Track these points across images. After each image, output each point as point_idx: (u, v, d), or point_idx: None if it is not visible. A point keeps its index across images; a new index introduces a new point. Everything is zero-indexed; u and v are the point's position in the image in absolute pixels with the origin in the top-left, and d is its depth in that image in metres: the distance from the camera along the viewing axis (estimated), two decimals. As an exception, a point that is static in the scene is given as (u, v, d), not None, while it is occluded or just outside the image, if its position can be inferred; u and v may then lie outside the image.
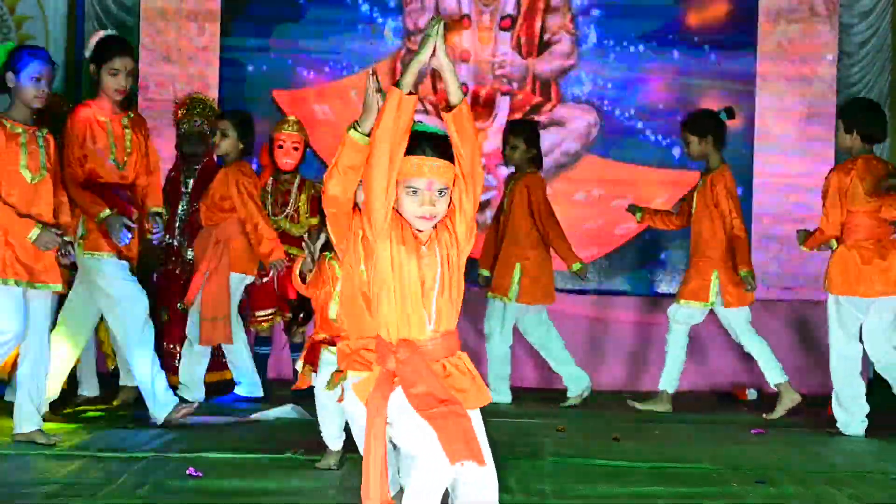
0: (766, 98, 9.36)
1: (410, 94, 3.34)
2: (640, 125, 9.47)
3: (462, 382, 3.42)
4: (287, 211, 7.76)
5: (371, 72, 3.76)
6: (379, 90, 3.80)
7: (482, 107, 9.36)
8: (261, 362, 7.95)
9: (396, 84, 3.36)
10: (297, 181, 7.89)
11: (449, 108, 3.38)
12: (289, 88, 9.51)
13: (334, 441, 5.49)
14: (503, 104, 9.41)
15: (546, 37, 9.48)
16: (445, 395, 3.36)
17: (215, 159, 8.03)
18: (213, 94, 9.01)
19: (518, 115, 9.27)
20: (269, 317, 7.88)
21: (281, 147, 7.78)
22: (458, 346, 3.47)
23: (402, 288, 3.39)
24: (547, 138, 9.41)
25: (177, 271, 7.98)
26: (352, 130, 3.64)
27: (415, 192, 3.39)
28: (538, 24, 9.48)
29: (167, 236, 7.99)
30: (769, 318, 8.79)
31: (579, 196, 9.45)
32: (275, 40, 9.50)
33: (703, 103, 9.38)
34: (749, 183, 9.35)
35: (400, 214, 3.41)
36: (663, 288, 9.43)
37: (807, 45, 9.32)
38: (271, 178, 7.87)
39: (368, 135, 3.62)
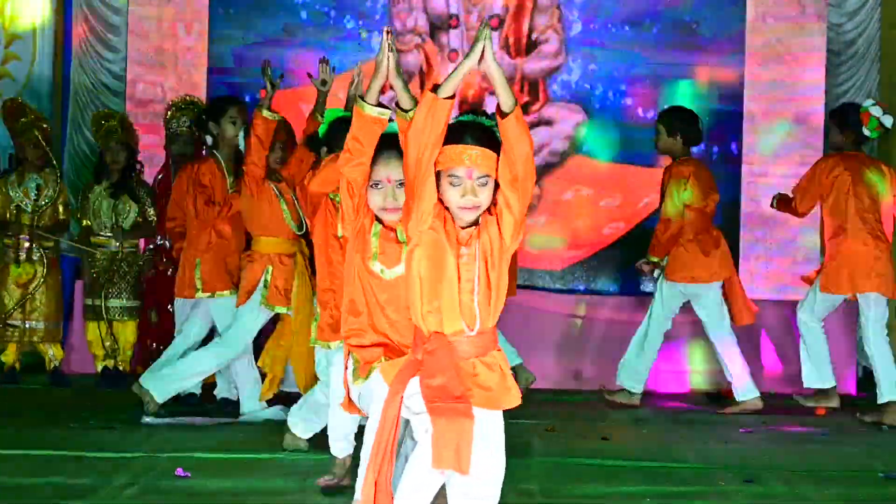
0: (753, 98, 9.34)
1: (450, 97, 3.32)
2: (628, 125, 9.46)
3: (489, 381, 3.40)
4: None
5: (386, 30, 3.76)
6: (392, 49, 3.81)
7: (470, 107, 9.33)
8: None
9: (435, 88, 3.34)
10: None
11: (502, 114, 3.34)
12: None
13: (339, 446, 5.14)
14: (491, 104, 9.37)
15: (534, 36, 9.46)
16: (460, 392, 3.34)
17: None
18: (201, 94, 8.97)
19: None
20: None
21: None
22: (494, 345, 3.45)
23: (437, 284, 3.38)
24: (535, 138, 9.38)
25: (168, 272, 7.96)
26: (358, 101, 3.72)
27: (456, 182, 3.37)
28: (526, 24, 9.46)
29: (158, 237, 8.00)
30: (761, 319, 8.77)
31: (567, 195, 9.45)
32: (262, 41, 9.46)
33: (692, 103, 9.37)
34: (738, 185, 9.34)
35: (445, 210, 3.41)
36: (651, 287, 9.40)
37: (795, 45, 9.30)
38: None
39: (379, 105, 3.73)
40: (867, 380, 9.18)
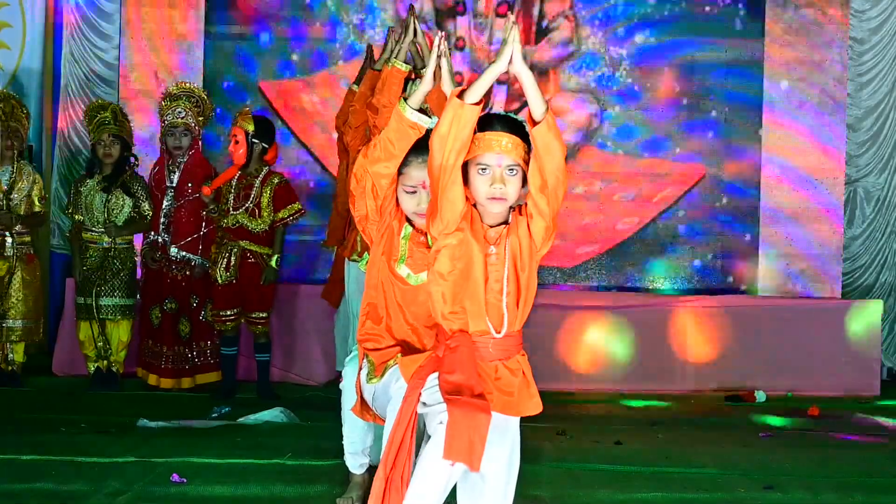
0: (773, 86, 9.15)
1: (477, 103, 3.26)
2: (642, 115, 9.28)
3: (510, 385, 3.38)
4: (247, 205, 7.56)
5: (442, 35, 3.68)
6: (445, 55, 3.67)
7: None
8: (228, 363, 7.77)
9: (461, 94, 3.27)
10: (262, 174, 7.65)
11: (533, 122, 3.27)
12: (276, 78, 9.32)
13: (356, 462, 4.92)
14: (500, 94, 9.23)
15: (544, 23, 9.31)
16: (478, 391, 3.30)
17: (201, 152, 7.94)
18: (198, 83, 8.81)
19: (515, 105, 9.11)
20: (234, 317, 7.67)
21: (229, 142, 7.62)
22: (519, 350, 3.42)
23: (463, 284, 3.35)
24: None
25: (164, 269, 7.83)
26: (401, 102, 3.64)
27: (485, 170, 3.33)
28: (536, 10, 9.30)
29: (153, 233, 7.85)
30: (774, 318, 8.63)
31: (579, 190, 9.27)
32: (261, 27, 9.31)
33: (709, 93, 9.21)
34: (757, 176, 9.16)
35: (473, 208, 3.38)
36: (667, 284, 9.26)
37: (817, 31, 9.11)
38: (239, 172, 7.67)
39: (420, 110, 3.65)
40: (891, 381, 9.07)
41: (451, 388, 3.31)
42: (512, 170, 3.33)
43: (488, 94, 3.46)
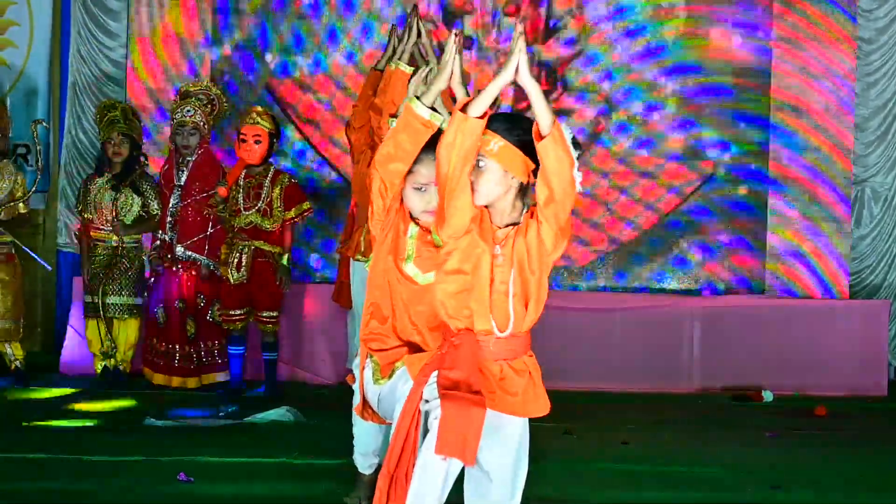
0: (780, 86, 9.12)
1: (481, 116, 3.24)
2: (650, 115, 9.25)
3: (515, 386, 3.36)
4: (259, 205, 7.56)
5: (455, 32, 3.62)
6: (459, 52, 3.64)
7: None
8: (235, 362, 7.76)
9: (465, 107, 3.25)
10: (270, 173, 7.64)
11: (540, 136, 3.23)
12: (284, 76, 9.29)
13: (366, 462, 4.90)
14: (507, 93, 9.18)
15: (552, 23, 9.28)
16: (476, 388, 3.29)
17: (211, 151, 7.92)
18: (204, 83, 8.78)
19: (523, 105, 9.08)
20: (243, 316, 7.66)
21: (244, 141, 7.56)
22: (526, 351, 3.40)
23: (470, 283, 3.34)
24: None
25: (173, 269, 7.82)
26: (413, 99, 3.59)
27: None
28: (544, 10, 9.27)
29: (160, 232, 7.85)
30: (781, 317, 8.60)
31: (585, 190, 9.23)
32: (269, 25, 9.28)
33: (716, 92, 9.18)
34: (765, 179, 9.13)
35: (485, 209, 3.36)
36: (674, 284, 9.23)
37: (823, 31, 9.08)
38: (243, 172, 7.65)
39: (433, 108, 3.58)
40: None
41: (448, 384, 3.31)
42: (482, 164, 3.30)
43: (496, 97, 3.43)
